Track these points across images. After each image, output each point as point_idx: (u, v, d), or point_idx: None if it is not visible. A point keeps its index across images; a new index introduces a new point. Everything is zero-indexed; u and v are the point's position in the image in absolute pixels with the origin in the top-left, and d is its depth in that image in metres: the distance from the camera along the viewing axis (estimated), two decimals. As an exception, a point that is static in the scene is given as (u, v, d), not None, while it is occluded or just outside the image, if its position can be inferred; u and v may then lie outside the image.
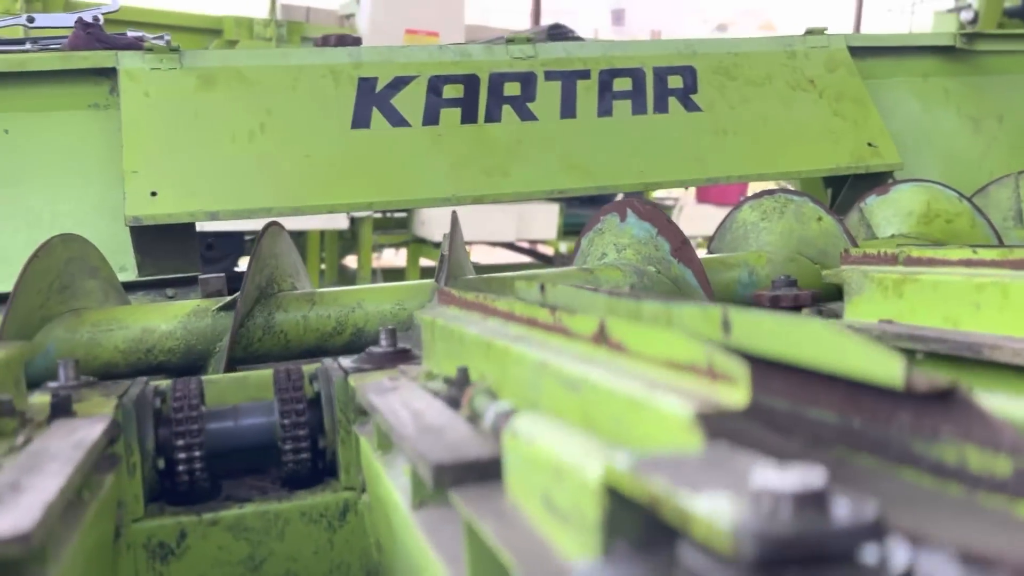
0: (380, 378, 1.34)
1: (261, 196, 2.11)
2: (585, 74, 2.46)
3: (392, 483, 1.05)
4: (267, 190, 2.12)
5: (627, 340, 0.74)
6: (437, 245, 6.63)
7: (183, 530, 1.33)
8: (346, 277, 7.52)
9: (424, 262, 6.86)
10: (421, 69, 2.31)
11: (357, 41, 2.44)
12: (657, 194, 8.05)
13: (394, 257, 8.67)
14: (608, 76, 2.47)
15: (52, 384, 1.39)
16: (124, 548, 1.30)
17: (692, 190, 7.77)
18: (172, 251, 2.11)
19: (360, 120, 2.23)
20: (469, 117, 2.31)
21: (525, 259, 9.22)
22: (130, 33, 2.26)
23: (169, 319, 1.79)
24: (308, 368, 1.52)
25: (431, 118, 2.28)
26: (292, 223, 4.73)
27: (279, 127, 2.18)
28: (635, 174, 2.42)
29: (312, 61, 2.27)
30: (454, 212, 1.91)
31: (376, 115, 2.24)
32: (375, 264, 7.03)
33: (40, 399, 1.27)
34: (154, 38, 2.15)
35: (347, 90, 2.25)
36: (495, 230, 6.80)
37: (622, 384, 0.66)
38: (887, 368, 0.61)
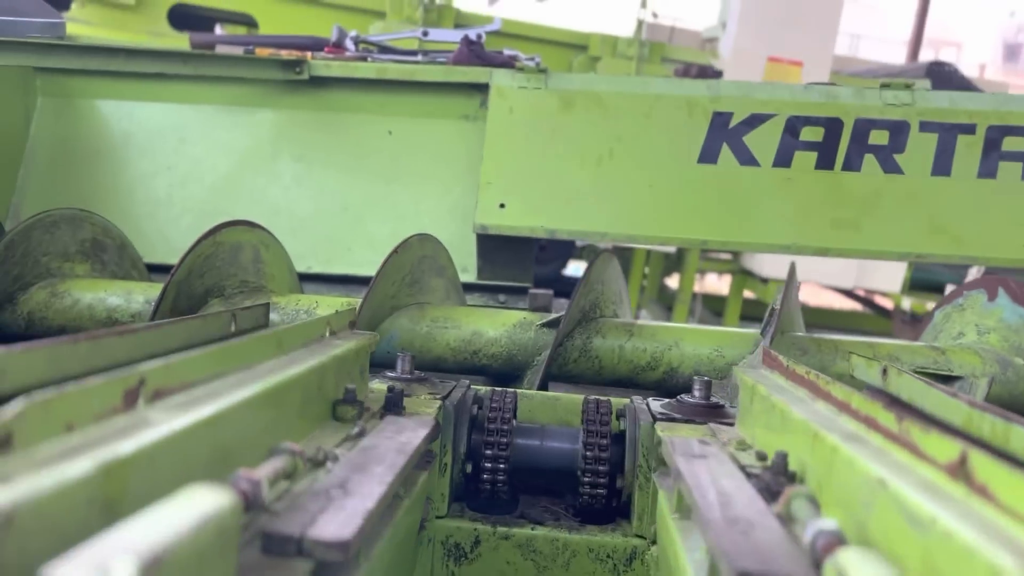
0: (689, 433, 1.29)
1: (599, 220, 2.16)
2: (970, 128, 2.19)
3: (686, 554, 1.00)
4: (606, 215, 2.16)
5: (994, 485, 0.62)
6: (764, 281, 6.38)
7: (478, 536, 1.39)
8: (666, 296, 7.51)
9: (747, 294, 6.63)
10: (780, 108, 2.21)
11: (718, 74, 2.39)
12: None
13: (716, 282, 8.49)
14: (998, 133, 2.17)
15: (390, 374, 1.52)
16: (425, 541, 1.39)
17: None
18: (510, 260, 2.23)
19: (708, 155, 2.19)
20: (825, 163, 2.16)
21: (859, 308, 8.55)
22: (506, 51, 2.41)
23: (497, 326, 1.88)
24: (616, 402, 1.51)
25: (783, 160, 2.17)
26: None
27: (627, 154, 2.20)
28: (1017, 248, 2.11)
29: (670, 91, 2.26)
30: (792, 264, 1.80)
31: (725, 151, 2.18)
32: (696, 289, 6.93)
33: (378, 387, 1.40)
34: (526, 59, 2.27)
35: (699, 123, 2.21)
36: (831, 273, 6.37)
37: (981, 543, 0.56)
38: None
